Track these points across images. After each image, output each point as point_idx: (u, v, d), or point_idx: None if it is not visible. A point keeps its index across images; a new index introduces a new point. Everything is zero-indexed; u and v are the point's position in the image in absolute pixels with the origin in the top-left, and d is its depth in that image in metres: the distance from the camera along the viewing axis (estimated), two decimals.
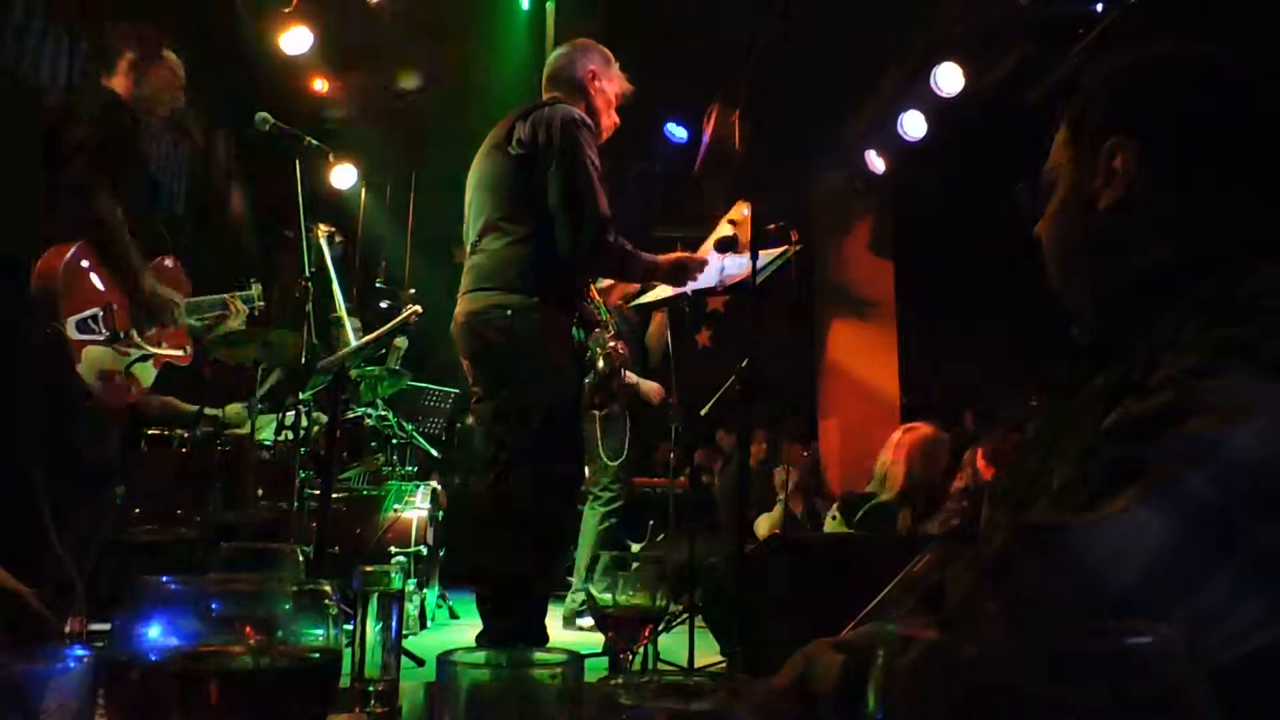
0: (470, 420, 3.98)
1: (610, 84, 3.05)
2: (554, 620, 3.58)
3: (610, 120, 3.05)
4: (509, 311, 2.71)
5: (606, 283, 3.48)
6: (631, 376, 3.86)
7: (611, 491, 4.22)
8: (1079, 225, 0.96)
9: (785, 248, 3.23)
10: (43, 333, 2.49)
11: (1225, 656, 0.64)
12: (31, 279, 2.50)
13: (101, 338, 2.61)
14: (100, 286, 2.65)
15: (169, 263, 3.06)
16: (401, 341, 4.32)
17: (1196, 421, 0.68)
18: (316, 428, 3.96)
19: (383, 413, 4.19)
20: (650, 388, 4.24)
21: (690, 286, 3.22)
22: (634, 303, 3.83)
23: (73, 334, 2.55)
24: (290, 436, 3.68)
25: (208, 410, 3.91)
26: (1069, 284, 1.00)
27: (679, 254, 3.06)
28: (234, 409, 3.98)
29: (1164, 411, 0.71)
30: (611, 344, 3.03)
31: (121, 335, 2.66)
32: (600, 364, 2.96)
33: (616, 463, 4.19)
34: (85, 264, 2.60)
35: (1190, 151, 0.91)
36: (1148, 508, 0.66)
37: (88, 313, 2.59)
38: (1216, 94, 0.92)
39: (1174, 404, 0.71)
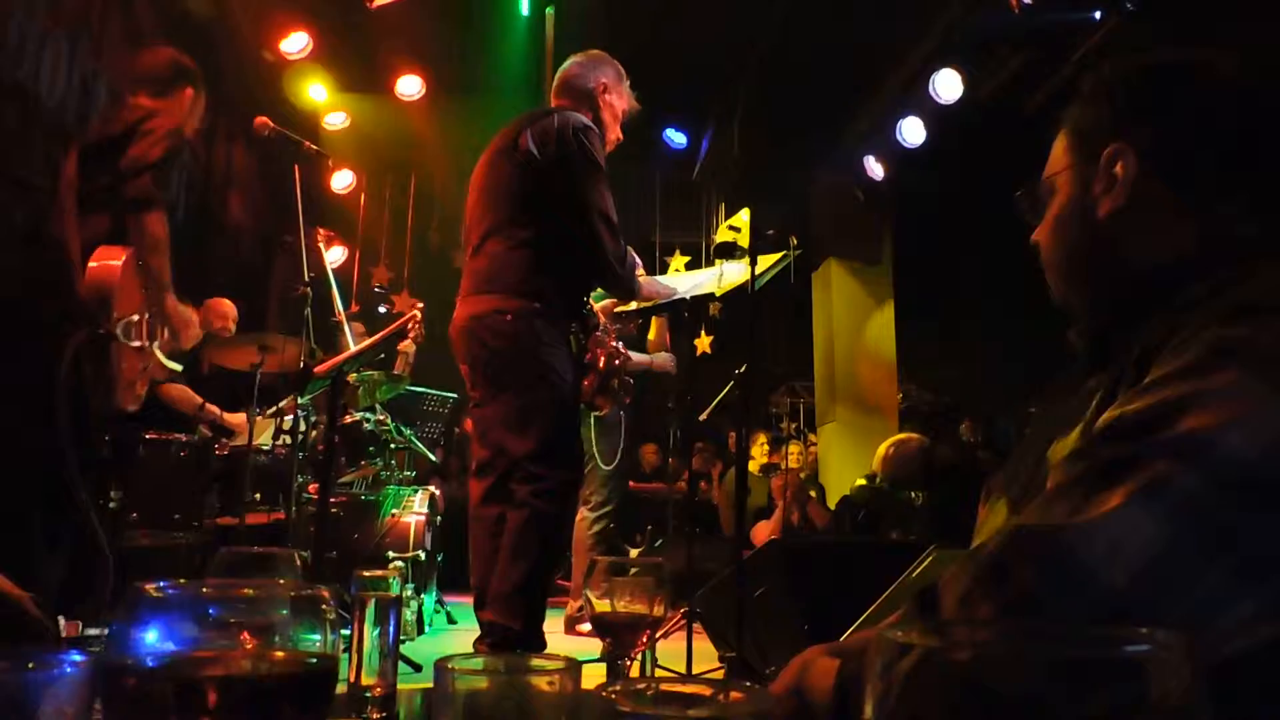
0: (469, 424, 3.98)
1: (619, 99, 3.06)
2: (552, 625, 3.57)
3: (614, 135, 3.06)
4: (509, 315, 2.71)
5: (608, 301, 3.47)
6: (638, 358, 3.83)
7: (600, 495, 4.20)
8: (1079, 232, 0.96)
9: (784, 253, 3.23)
10: (92, 330, 2.57)
11: (1218, 655, 0.64)
12: (85, 276, 2.58)
13: (134, 345, 2.71)
14: (139, 295, 2.74)
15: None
16: (409, 347, 4.32)
17: (1190, 420, 0.68)
18: (315, 432, 3.96)
19: (381, 417, 4.18)
20: (664, 359, 4.22)
21: (689, 292, 3.21)
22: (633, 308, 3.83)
23: (120, 338, 2.66)
24: (288, 441, 3.67)
25: (209, 406, 3.93)
26: (1068, 290, 1.00)
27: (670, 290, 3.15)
28: (238, 419, 3.98)
29: (1158, 410, 0.71)
30: (612, 344, 3.02)
31: (145, 348, 2.76)
32: (601, 364, 2.96)
33: (610, 467, 4.17)
34: (133, 271, 2.70)
35: (1191, 157, 0.91)
36: (1141, 507, 0.66)
37: (130, 319, 2.69)
38: (1216, 98, 0.92)
39: (1167, 402, 0.71)
